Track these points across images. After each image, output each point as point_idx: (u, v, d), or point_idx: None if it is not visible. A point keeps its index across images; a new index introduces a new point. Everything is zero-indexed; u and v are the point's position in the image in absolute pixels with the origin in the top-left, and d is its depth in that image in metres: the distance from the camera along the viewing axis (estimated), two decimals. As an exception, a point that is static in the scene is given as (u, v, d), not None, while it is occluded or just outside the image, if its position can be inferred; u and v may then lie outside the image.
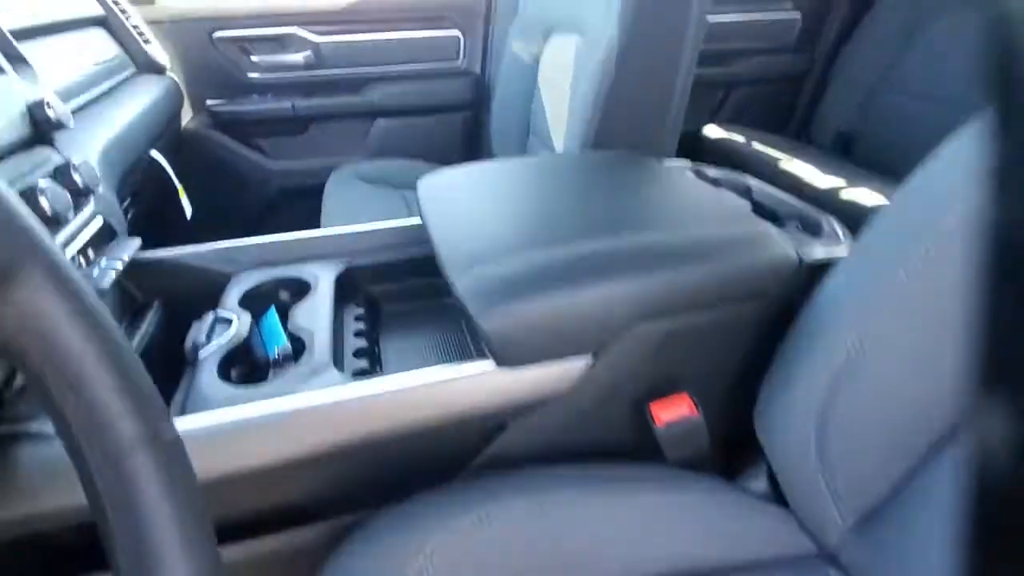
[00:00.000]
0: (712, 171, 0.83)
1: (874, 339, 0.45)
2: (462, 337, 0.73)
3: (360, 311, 0.71)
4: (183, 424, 0.45)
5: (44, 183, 0.48)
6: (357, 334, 0.67)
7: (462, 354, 0.70)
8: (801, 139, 1.68)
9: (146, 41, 1.13)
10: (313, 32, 1.31)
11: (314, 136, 1.41)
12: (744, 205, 0.69)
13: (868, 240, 0.49)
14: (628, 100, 0.84)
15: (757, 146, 1.45)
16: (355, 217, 1.14)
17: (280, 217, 1.43)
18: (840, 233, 0.65)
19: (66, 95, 0.80)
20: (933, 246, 0.41)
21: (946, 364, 0.41)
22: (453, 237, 0.58)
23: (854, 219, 1.10)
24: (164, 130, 1.06)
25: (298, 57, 1.32)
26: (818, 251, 0.58)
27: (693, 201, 0.65)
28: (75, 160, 0.55)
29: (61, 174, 0.53)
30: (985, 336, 0.12)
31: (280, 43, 1.31)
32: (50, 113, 0.53)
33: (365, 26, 1.34)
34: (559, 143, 1.04)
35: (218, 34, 1.25)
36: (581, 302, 0.49)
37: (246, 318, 0.63)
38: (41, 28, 0.82)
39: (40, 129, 0.53)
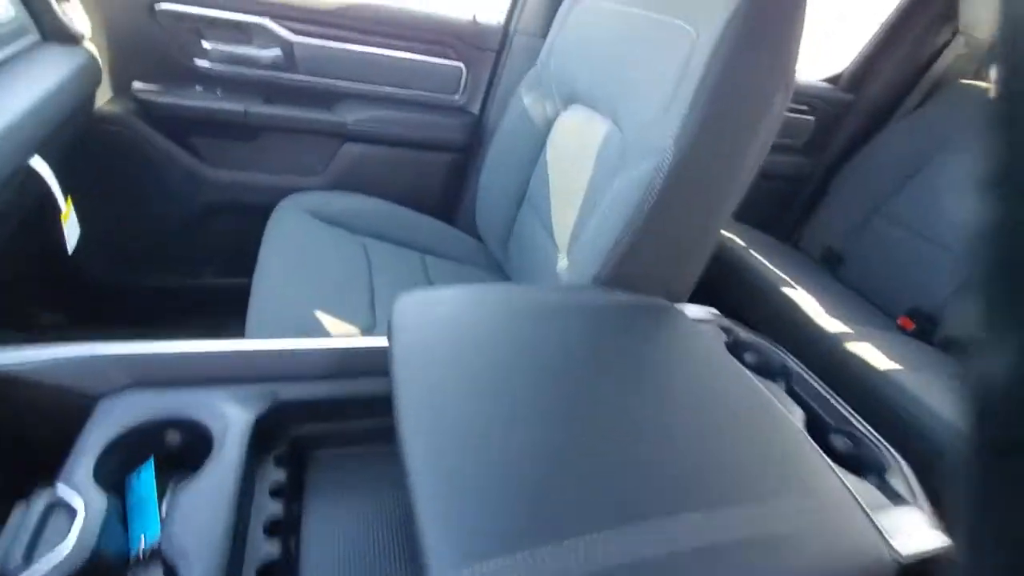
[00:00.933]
0: (743, 333, 0.70)
1: None
2: (401, 509, 0.55)
3: (279, 477, 0.52)
4: None
5: None
6: (269, 528, 0.48)
7: (399, 540, 0.52)
8: (790, 241, 1.62)
9: (62, 0, 0.87)
10: (287, 28, 1.08)
11: (265, 148, 1.17)
12: (796, 422, 0.55)
13: None
14: (665, 230, 0.68)
15: (756, 255, 1.35)
16: (299, 270, 0.93)
17: (204, 239, 1.18)
18: (913, 487, 0.52)
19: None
20: None
21: None
22: (435, 459, 0.40)
23: (859, 374, 1.03)
24: (64, 124, 0.80)
25: (264, 54, 1.08)
26: (912, 542, 0.44)
27: (742, 418, 0.51)
28: None
29: None
30: None
31: (243, 32, 1.07)
32: None
33: (351, 34, 1.13)
34: (562, 236, 0.88)
35: (162, 6, 1.00)
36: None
37: (99, 505, 0.42)
38: None
39: None
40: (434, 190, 1.29)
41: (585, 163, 0.86)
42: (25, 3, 0.80)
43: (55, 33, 0.85)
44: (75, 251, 0.84)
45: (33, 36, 0.82)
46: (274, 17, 1.06)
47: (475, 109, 1.26)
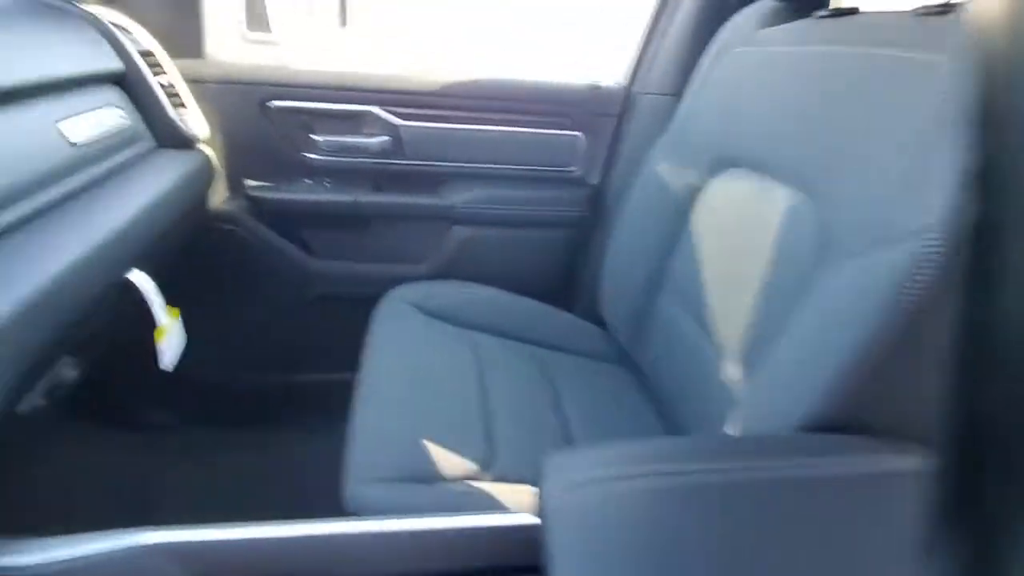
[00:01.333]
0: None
1: None
2: None
3: None
4: None
5: None
6: None
7: None
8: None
9: (179, 105, 0.86)
10: (393, 114, 1.02)
11: (374, 236, 1.10)
12: None
13: None
14: (922, 346, 0.46)
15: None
16: (404, 380, 0.80)
17: (310, 333, 1.12)
18: None
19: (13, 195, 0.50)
20: None
21: None
22: None
23: None
24: (171, 230, 0.75)
25: (372, 142, 1.03)
26: None
27: None
28: None
29: None
30: None
31: (353, 123, 1.02)
32: None
33: (458, 113, 1.05)
34: (729, 336, 0.68)
35: (275, 103, 0.98)
36: None
37: None
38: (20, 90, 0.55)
39: None
40: (549, 272, 1.14)
41: (759, 244, 0.66)
42: (140, 110, 0.78)
43: (170, 138, 0.83)
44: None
45: (147, 143, 0.80)
46: (383, 104, 1.01)
47: (594, 180, 1.12)
